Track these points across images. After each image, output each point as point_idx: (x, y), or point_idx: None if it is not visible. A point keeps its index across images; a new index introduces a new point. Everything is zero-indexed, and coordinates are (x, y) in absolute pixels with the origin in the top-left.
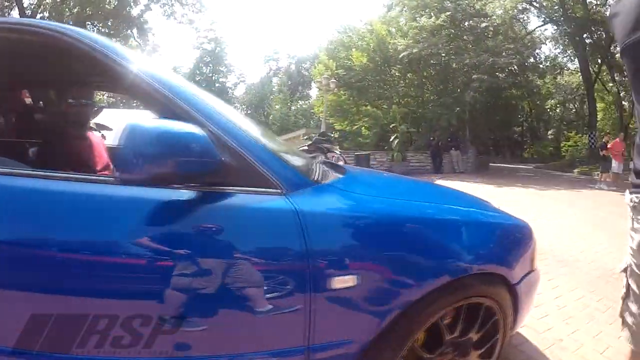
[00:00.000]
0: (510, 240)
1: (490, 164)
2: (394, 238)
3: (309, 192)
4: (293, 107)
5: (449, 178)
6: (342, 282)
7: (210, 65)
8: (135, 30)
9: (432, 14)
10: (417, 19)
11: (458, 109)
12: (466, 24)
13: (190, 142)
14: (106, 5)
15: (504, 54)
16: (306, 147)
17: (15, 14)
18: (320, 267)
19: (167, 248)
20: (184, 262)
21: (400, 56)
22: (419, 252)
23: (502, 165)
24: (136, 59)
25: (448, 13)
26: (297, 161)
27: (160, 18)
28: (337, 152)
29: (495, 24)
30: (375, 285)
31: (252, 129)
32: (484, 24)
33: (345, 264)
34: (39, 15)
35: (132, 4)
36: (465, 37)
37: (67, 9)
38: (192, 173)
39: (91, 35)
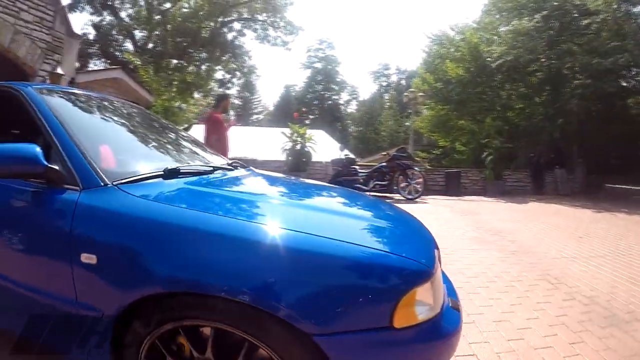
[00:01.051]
0: (322, 274)
1: (607, 185)
2: (126, 235)
3: (99, 190)
4: (407, 123)
5: (547, 200)
6: (87, 258)
7: (322, 83)
8: (229, 55)
9: (527, 15)
10: (513, 22)
11: (561, 120)
12: (569, 23)
13: (13, 153)
14: (202, 34)
15: (611, 53)
16: (385, 164)
17: (129, 46)
18: (76, 244)
19: None
20: None
21: (494, 64)
22: (142, 256)
23: (622, 187)
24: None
25: (544, 12)
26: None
27: (255, 42)
28: (417, 169)
29: (598, 20)
30: (109, 270)
31: (92, 140)
32: (585, 21)
33: (90, 245)
34: (150, 45)
35: (225, 31)
36: (564, 37)
37: (170, 39)
38: (10, 170)
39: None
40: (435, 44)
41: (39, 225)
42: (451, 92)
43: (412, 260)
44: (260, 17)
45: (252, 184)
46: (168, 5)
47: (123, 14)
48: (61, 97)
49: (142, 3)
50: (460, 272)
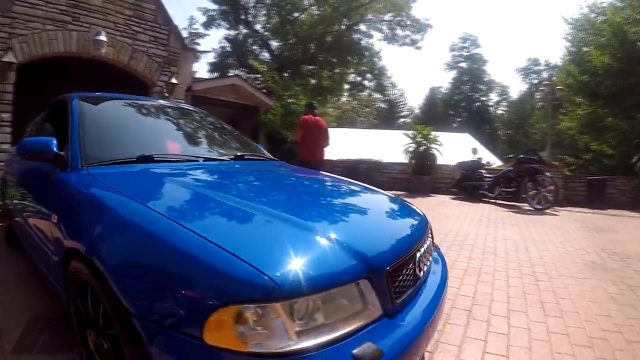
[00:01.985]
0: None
1: None
2: (67, 202)
3: (76, 171)
4: (565, 124)
5: None
6: (54, 218)
7: (469, 83)
8: (356, 58)
9: None
10: None
11: None
12: None
13: (36, 144)
14: (327, 39)
15: None
16: (512, 168)
17: (267, 55)
18: (53, 208)
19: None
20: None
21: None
22: (71, 219)
23: None
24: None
25: None
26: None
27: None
28: (549, 175)
29: None
30: (59, 227)
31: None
32: None
33: (56, 209)
34: (286, 53)
35: (351, 34)
36: None
37: (300, 47)
38: (35, 156)
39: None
40: (579, 30)
41: (46, 195)
42: (599, 85)
43: (251, 267)
44: (385, 17)
45: (215, 174)
46: (297, 14)
47: (258, 26)
48: (98, 103)
49: (274, 13)
50: (542, 305)
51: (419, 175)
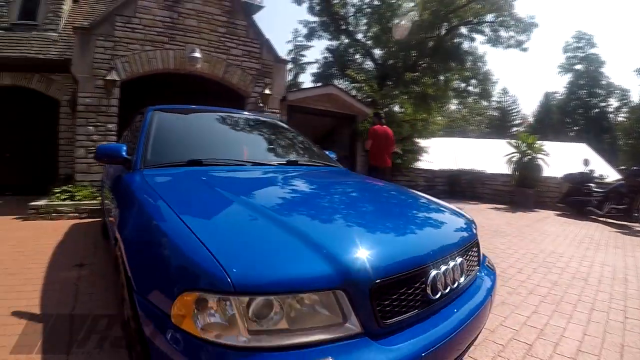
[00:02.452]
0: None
1: None
2: (123, 197)
3: (135, 172)
4: None
5: None
6: (117, 211)
7: (585, 88)
8: (457, 63)
9: None
10: None
11: None
12: None
13: (108, 150)
14: (428, 45)
15: None
16: (623, 182)
17: (370, 64)
18: (117, 202)
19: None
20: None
21: None
22: (128, 211)
23: None
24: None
25: None
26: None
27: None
28: None
29: None
30: (114, 213)
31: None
32: None
33: (117, 201)
34: (390, 62)
35: (452, 38)
36: None
37: (401, 54)
38: (109, 160)
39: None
40: None
41: (117, 192)
42: None
43: (215, 260)
44: (486, 19)
45: (249, 177)
46: (397, 21)
47: (359, 36)
48: (167, 113)
49: (374, 21)
50: (621, 350)
51: (523, 188)
